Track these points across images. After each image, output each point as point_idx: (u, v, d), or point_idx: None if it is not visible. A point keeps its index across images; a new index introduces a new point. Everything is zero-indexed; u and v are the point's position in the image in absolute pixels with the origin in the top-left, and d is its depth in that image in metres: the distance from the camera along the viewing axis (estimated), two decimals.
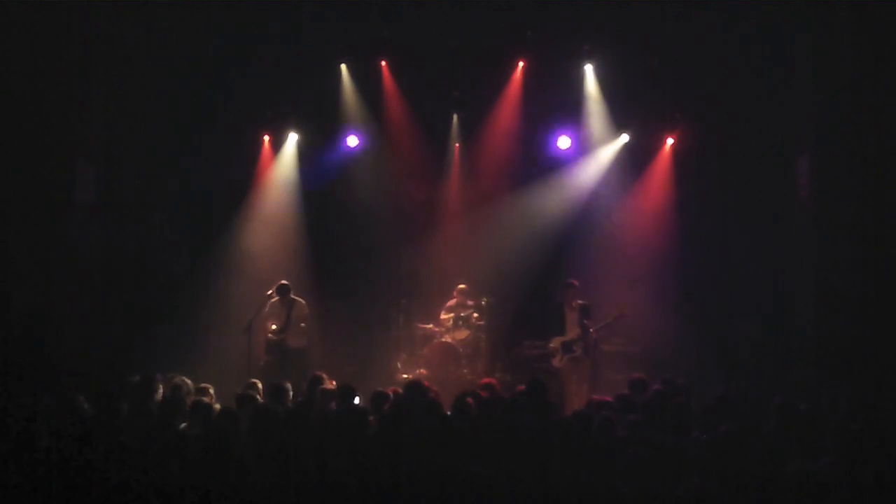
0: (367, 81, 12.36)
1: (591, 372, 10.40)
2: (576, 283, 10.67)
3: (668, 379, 7.55)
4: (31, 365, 9.07)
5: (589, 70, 12.08)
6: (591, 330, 10.49)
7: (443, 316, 11.84)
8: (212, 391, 7.51)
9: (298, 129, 12.53)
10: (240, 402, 7.02)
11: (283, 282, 10.70)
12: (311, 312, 10.78)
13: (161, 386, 7.51)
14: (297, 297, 10.61)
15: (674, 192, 12.02)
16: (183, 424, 6.53)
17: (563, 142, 12.40)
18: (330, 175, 12.63)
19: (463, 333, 11.69)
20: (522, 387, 7.42)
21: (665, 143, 12.15)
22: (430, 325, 11.88)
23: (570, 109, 12.24)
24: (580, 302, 10.60)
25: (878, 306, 9.25)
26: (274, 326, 10.59)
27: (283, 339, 10.41)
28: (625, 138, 12.31)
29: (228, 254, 11.92)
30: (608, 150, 12.39)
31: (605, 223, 12.19)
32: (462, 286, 11.83)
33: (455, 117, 12.81)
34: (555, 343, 10.59)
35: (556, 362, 10.63)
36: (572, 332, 10.48)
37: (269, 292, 10.60)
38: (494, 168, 12.51)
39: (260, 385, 7.70)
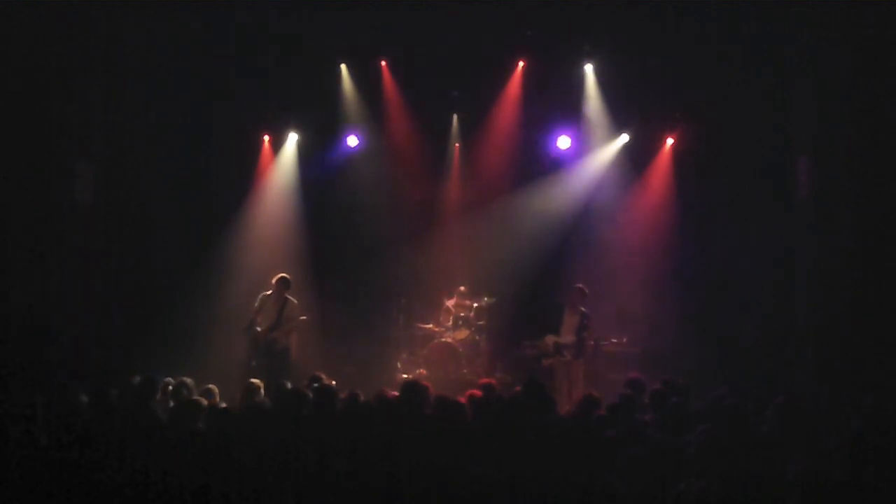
0: (367, 81, 12.37)
1: (583, 375, 10.35)
2: (586, 289, 10.60)
3: (668, 379, 7.54)
4: (31, 365, 9.07)
5: (589, 70, 12.09)
6: (590, 342, 10.43)
7: (442, 316, 11.86)
8: (216, 392, 7.51)
9: (298, 129, 12.54)
10: (243, 402, 7.06)
11: (284, 275, 10.54)
12: (303, 312, 10.68)
13: (161, 386, 7.50)
14: (289, 297, 10.58)
15: (674, 192, 12.03)
16: (183, 425, 6.52)
17: (563, 142, 12.41)
18: (330, 175, 12.63)
19: (463, 333, 11.70)
20: (520, 387, 7.41)
21: (665, 143, 12.16)
22: (430, 325, 11.89)
23: (570, 109, 12.25)
24: (583, 310, 10.54)
25: (878, 306, 9.25)
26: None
27: (273, 339, 10.37)
28: (625, 138, 12.32)
29: (228, 254, 11.92)
30: (608, 150, 12.40)
31: (604, 223, 12.19)
32: (462, 288, 11.85)
33: (455, 117, 12.83)
34: (549, 340, 10.54)
35: (544, 361, 10.58)
36: (567, 336, 10.44)
37: (268, 292, 10.54)
38: (494, 168, 12.52)
39: (262, 385, 7.67)
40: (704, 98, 11.30)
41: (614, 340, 10.82)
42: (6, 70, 9.52)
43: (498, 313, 11.95)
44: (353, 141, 12.61)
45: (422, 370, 11.34)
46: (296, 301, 10.58)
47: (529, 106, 12.26)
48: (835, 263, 9.83)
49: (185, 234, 11.73)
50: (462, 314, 11.75)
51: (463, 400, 6.76)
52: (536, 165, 12.56)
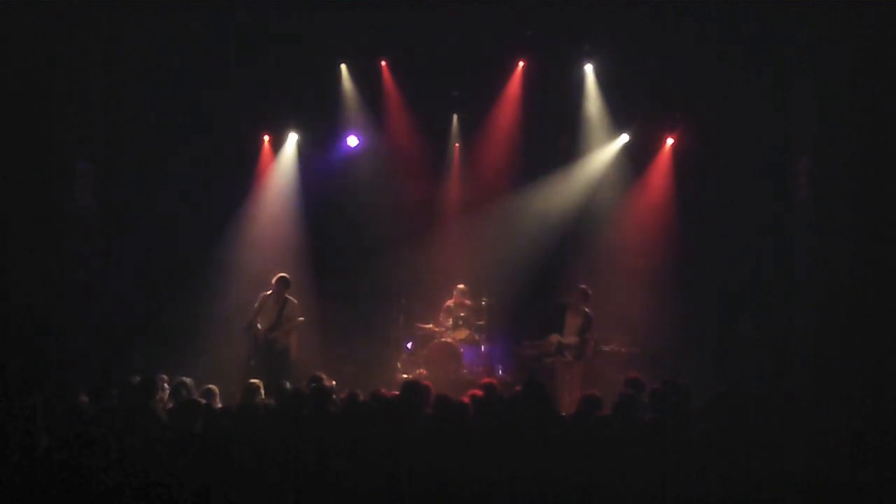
0: (367, 81, 12.37)
1: (581, 377, 10.36)
2: (589, 290, 10.60)
3: (668, 379, 7.54)
4: (31, 365, 9.07)
5: (589, 70, 12.09)
6: (591, 342, 10.43)
7: (442, 316, 11.86)
8: (216, 392, 7.51)
9: (298, 129, 12.54)
10: (244, 402, 7.06)
11: (284, 274, 10.55)
12: (303, 312, 10.67)
13: (161, 386, 7.50)
14: (289, 297, 10.58)
15: (674, 192, 12.03)
16: (183, 425, 6.52)
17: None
18: (330, 175, 12.64)
19: (463, 333, 11.69)
20: (520, 387, 7.41)
21: (665, 143, 12.16)
22: (430, 325, 11.88)
23: (570, 109, 12.25)
24: (586, 310, 10.54)
25: (878, 306, 9.25)
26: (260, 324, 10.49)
27: (273, 339, 10.37)
28: (625, 138, 12.32)
29: (228, 254, 11.91)
30: (608, 150, 12.40)
31: (604, 223, 12.19)
32: (461, 286, 11.83)
33: (455, 117, 12.83)
34: (553, 339, 10.54)
35: (546, 360, 10.58)
36: (570, 337, 10.44)
37: (268, 292, 10.52)
38: (494, 168, 12.52)
39: (262, 385, 7.67)
40: (704, 98, 11.30)
41: (613, 348, 10.89)
42: (6, 70, 9.52)
43: (498, 313, 11.95)
44: (352, 141, 12.61)
45: (422, 370, 11.33)
46: (296, 301, 10.58)
47: (529, 106, 12.24)
48: (835, 263, 9.82)
49: (185, 234, 11.72)
50: (462, 314, 11.74)
51: (465, 399, 6.77)
52: (536, 165, 12.54)
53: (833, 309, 9.76)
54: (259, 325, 10.33)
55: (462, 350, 11.51)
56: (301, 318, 10.60)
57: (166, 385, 7.62)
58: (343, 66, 12.37)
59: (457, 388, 9.21)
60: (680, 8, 10.84)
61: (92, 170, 10.76)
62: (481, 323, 11.85)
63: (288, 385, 7.40)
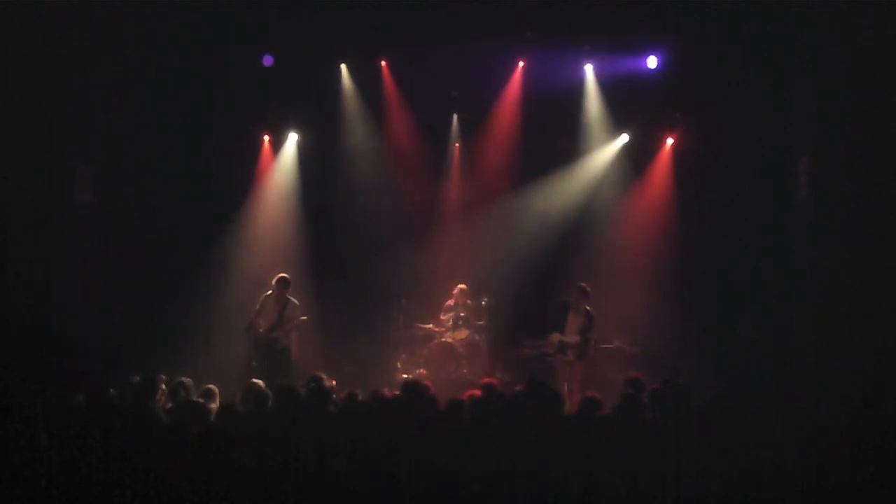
0: (367, 81, 12.38)
1: (582, 376, 10.36)
2: (588, 288, 10.60)
3: (668, 379, 7.54)
4: (32, 365, 9.06)
5: (589, 70, 12.10)
6: (592, 342, 10.44)
7: (442, 316, 11.86)
8: (216, 392, 7.50)
9: (298, 129, 12.54)
10: (244, 402, 7.05)
11: (284, 274, 10.55)
12: (304, 313, 10.68)
13: (162, 386, 7.49)
14: (290, 297, 10.58)
15: (674, 192, 12.03)
16: (183, 425, 6.52)
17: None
18: (330, 175, 12.64)
19: (463, 333, 11.69)
20: (521, 387, 7.41)
21: (665, 143, 12.16)
22: (430, 325, 11.88)
23: (570, 109, 12.25)
24: (587, 308, 10.54)
25: (878, 306, 9.24)
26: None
27: (273, 339, 10.36)
28: (625, 138, 12.33)
29: (228, 254, 11.92)
30: (608, 150, 12.41)
31: (604, 223, 12.20)
32: (461, 286, 11.84)
33: (455, 117, 12.83)
34: (554, 337, 10.53)
35: (549, 359, 10.59)
36: (571, 336, 10.44)
37: (269, 292, 10.52)
38: (494, 168, 12.52)
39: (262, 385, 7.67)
40: (704, 98, 11.30)
41: (612, 346, 10.90)
42: (6, 70, 9.51)
43: (498, 313, 11.95)
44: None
45: (422, 370, 11.33)
46: (297, 301, 10.58)
47: (529, 106, 12.25)
48: (835, 263, 9.82)
49: (185, 234, 11.71)
50: (462, 314, 11.74)
51: (465, 399, 6.77)
52: (536, 165, 12.55)
53: (833, 309, 9.75)
54: (260, 326, 10.33)
55: (462, 350, 11.52)
56: (304, 318, 10.60)
57: (163, 385, 7.60)
58: (343, 66, 12.38)
59: (457, 388, 9.22)
60: (680, 8, 10.84)
61: (92, 170, 10.76)
62: (481, 323, 11.85)
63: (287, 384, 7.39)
